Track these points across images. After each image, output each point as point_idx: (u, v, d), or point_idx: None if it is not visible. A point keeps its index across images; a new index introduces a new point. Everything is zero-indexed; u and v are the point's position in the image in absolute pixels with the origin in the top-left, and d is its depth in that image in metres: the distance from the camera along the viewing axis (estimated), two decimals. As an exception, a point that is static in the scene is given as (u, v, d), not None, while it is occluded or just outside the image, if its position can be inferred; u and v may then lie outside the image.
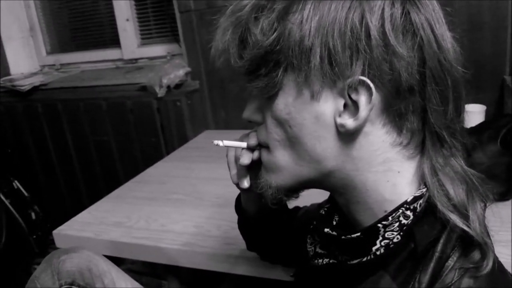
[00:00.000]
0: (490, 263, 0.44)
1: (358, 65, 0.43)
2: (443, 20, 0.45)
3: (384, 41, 0.42)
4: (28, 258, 1.99)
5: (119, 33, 2.02)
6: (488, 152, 0.98)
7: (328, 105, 0.45)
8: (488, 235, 0.46)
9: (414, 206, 0.46)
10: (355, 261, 0.49)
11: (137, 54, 2.04)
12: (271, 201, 0.54)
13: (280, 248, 0.81)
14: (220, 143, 0.58)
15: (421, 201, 0.46)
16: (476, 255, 0.44)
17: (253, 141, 0.56)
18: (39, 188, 2.20)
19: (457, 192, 0.45)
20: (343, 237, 0.50)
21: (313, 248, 0.59)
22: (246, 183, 0.63)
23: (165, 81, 1.70)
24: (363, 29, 0.42)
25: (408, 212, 0.46)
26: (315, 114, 0.46)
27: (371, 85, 0.43)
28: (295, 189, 0.54)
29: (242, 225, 0.82)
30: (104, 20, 2.09)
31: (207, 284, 1.20)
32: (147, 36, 2.03)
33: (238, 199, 0.79)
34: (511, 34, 1.35)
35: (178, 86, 1.75)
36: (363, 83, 0.43)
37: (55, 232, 1.14)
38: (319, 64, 0.43)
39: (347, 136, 0.46)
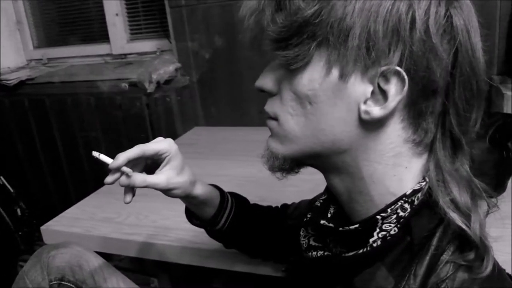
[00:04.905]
0: (490, 266, 0.44)
1: (396, 55, 0.42)
2: (479, 30, 0.45)
3: (426, 37, 0.42)
4: (14, 255, 1.97)
5: (108, 27, 2.00)
6: (477, 150, 0.99)
7: (355, 89, 0.44)
8: (487, 239, 0.46)
9: (412, 199, 0.46)
10: (351, 253, 0.49)
11: (126, 49, 2.02)
12: (272, 169, 0.52)
13: (271, 245, 0.80)
14: (97, 154, 0.63)
15: (419, 194, 0.46)
16: (471, 255, 0.44)
17: (115, 164, 0.61)
18: (25, 184, 2.16)
19: (461, 193, 0.46)
20: (340, 228, 0.50)
21: (306, 240, 0.58)
22: (128, 198, 0.66)
23: (154, 76, 1.69)
24: (408, 20, 0.41)
25: (406, 205, 0.46)
26: (340, 95, 0.45)
27: (406, 77, 0.42)
28: (301, 162, 0.53)
29: (212, 233, 0.78)
30: (93, 15, 2.07)
31: (198, 280, 1.19)
32: (136, 31, 2.01)
33: (188, 215, 0.77)
34: (499, 33, 1.37)
35: (167, 82, 1.74)
36: (397, 73, 0.42)
37: (43, 227, 1.13)
38: (356, 46, 0.42)
39: (367, 124, 0.45)
